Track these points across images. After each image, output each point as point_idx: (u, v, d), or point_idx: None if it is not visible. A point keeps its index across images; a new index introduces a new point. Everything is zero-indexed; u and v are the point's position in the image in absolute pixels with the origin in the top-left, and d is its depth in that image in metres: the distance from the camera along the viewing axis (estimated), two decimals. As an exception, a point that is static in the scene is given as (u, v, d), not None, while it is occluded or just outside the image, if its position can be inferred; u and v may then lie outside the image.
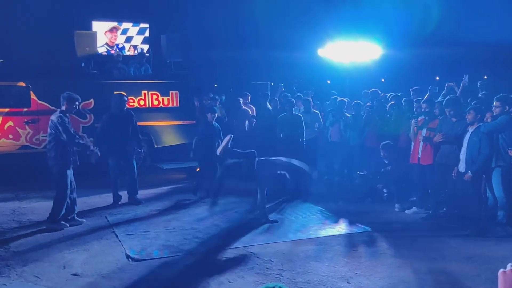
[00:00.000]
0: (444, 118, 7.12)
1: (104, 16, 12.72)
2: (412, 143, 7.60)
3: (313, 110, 10.14)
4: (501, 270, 1.72)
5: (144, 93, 10.70)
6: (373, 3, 16.20)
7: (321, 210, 7.60)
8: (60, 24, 11.18)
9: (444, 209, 7.31)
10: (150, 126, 10.59)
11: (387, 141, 7.97)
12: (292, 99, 9.38)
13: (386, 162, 7.95)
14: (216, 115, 8.69)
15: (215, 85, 14.64)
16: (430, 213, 7.24)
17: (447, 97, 7.31)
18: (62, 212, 6.62)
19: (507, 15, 15.23)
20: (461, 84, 8.18)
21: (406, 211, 7.53)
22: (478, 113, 6.45)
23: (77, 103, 6.77)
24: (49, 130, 6.60)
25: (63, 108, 6.66)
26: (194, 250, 5.75)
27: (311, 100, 10.44)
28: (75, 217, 6.84)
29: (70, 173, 6.68)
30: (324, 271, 5.10)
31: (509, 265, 1.73)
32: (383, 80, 20.26)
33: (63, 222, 6.62)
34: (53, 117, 6.57)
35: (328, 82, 18.66)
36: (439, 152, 7.08)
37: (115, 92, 8.59)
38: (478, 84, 8.51)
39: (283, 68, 15.88)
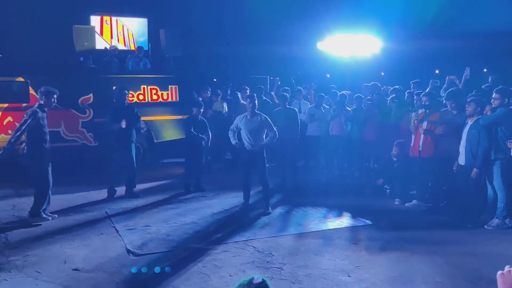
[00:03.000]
0: (445, 111, 7.10)
1: (102, 11, 12.65)
2: (413, 136, 7.60)
3: (324, 105, 10.16)
4: (499, 272, 1.74)
5: (143, 88, 10.65)
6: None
7: (321, 204, 7.58)
8: (59, 19, 11.11)
9: (445, 202, 7.31)
10: (149, 121, 10.55)
11: (401, 139, 7.88)
12: (286, 93, 9.29)
13: (395, 159, 7.89)
14: (201, 110, 8.61)
15: (214, 80, 14.56)
16: (431, 207, 7.24)
17: (449, 90, 7.30)
18: (44, 206, 6.67)
19: (507, 6, 15.13)
20: (463, 77, 8.11)
21: (406, 204, 7.53)
22: (479, 105, 6.43)
23: (55, 96, 6.72)
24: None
25: (42, 102, 6.66)
26: (194, 245, 5.75)
27: (324, 95, 10.42)
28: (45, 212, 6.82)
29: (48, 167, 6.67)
30: (324, 264, 5.11)
31: (507, 267, 1.75)
32: (382, 74, 20.20)
33: (44, 216, 6.65)
34: (29, 110, 6.59)
35: (328, 76, 18.60)
36: (439, 145, 7.08)
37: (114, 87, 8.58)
38: (490, 79, 8.35)
39: (283, 62, 15.83)
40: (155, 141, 10.80)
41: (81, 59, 10.63)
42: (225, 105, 10.94)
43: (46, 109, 6.67)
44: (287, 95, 9.18)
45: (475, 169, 6.37)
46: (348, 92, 10.51)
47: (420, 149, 7.37)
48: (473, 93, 7.08)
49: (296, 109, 9.04)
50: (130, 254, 5.45)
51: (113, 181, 8.06)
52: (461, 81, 8.21)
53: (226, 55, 15.40)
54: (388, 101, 9.04)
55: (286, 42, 15.37)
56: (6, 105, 9.42)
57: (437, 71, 20.37)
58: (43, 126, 6.58)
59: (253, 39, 15.71)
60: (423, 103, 7.46)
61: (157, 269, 4.91)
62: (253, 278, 1.86)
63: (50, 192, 6.77)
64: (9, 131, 9.39)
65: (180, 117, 10.79)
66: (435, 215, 6.97)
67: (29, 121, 6.41)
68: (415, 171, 7.66)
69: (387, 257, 5.35)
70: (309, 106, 10.50)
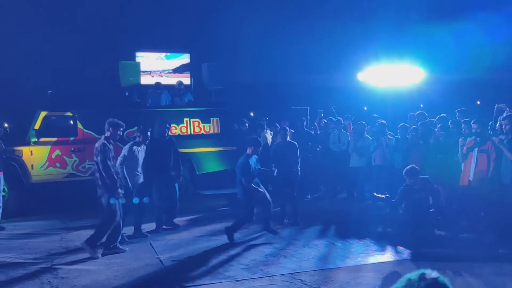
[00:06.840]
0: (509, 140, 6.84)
1: (147, 47, 13.06)
2: (462, 165, 7.35)
3: (366, 135, 10.00)
4: None
5: (186, 121, 10.84)
6: (412, 27, 16.03)
7: (368, 236, 7.35)
8: (105, 55, 11.57)
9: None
10: (191, 153, 10.67)
11: (411, 165, 7.43)
12: (287, 127, 9.12)
13: (416, 187, 7.23)
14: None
15: (251, 114, 14.66)
16: (486, 239, 6.89)
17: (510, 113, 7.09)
18: (102, 240, 6.57)
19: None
20: None
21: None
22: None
23: (121, 129, 6.71)
24: (94, 158, 6.55)
25: (108, 134, 6.60)
26: (240, 277, 5.64)
27: (364, 123, 10.26)
28: (117, 245, 6.79)
29: (119, 201, 6.57)
30: (376, 299, 4.90)
31: None
32: (422, 105, 19.87)
33: (98, 250, 6.56)
34: (97, 144, 6.54)
35: (365, 108, 18.44)
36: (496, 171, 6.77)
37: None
38: None
39: (323, 93, 15.85)
40: (197, 173, 10.87)
41: (127, 93, 10.94)
42: (269, 137, 10.96)
43: (112, 141, 6.61)
44: (288, 128, 9.03)
45: None
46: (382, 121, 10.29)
47: (471, 179, 7.10)
48: None
49: (296, 144, 8.73)
50: (177, 287, 5.39)
51: (159, 213, 8.10)
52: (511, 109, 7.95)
53: (267, 87, 15.55)
54: (437, 130, 8.80)
55: (326, 73, 15.41)
56: (55, 139, 9.74)
57: (478, 102, 19.88)
58: (106, 161, 6.43)
59: (294, 70, 15.84)
60: (473, 130, 7.20)
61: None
62: (424, 273, 1.58)
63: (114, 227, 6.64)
64: (57, 164, 9.70)
65: (221, 148, 10.88)
66: (490, 248, 6.61)
67: (101, 156, 6.39)
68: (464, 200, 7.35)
69: (442, 292, 5.07)
70: (351, 137, 10.34)
